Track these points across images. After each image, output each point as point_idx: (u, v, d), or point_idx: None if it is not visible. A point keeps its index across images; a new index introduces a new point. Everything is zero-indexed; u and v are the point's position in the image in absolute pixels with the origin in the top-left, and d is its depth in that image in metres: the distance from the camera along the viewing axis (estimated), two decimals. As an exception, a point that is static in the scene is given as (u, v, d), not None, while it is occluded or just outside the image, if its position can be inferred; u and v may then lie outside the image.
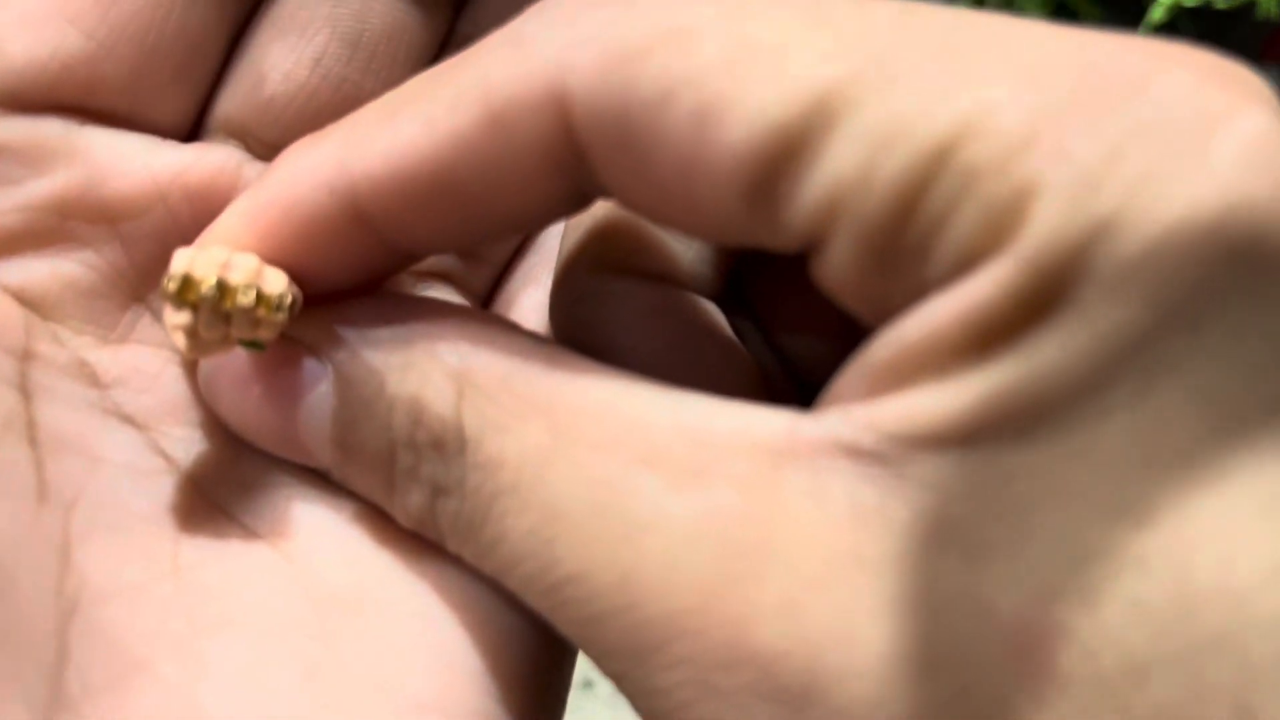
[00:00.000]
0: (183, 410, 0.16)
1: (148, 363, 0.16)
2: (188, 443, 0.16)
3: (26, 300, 0.16)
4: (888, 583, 0.11)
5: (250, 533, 0.16)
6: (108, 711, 0.14)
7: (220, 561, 0.15)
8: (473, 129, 0.13)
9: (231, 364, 0.16)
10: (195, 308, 0.14)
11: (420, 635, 0.15)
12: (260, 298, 0.14)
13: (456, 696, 0.14)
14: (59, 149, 0.16)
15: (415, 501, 0.14)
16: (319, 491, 0.16)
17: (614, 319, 0.16)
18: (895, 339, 0.12)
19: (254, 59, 0.17)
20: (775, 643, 0.12)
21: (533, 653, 0.15)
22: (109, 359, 0.16)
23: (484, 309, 0.19)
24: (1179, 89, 0.11)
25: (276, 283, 0.14)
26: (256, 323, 0.14)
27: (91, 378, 0.16)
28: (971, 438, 0.11)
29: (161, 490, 0.16)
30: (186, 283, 0.14)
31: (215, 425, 0.16)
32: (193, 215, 0.16)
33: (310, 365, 0.15)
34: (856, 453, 0.12)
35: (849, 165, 0.12)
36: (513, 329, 0.15)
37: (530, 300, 0.19)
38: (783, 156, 0.12)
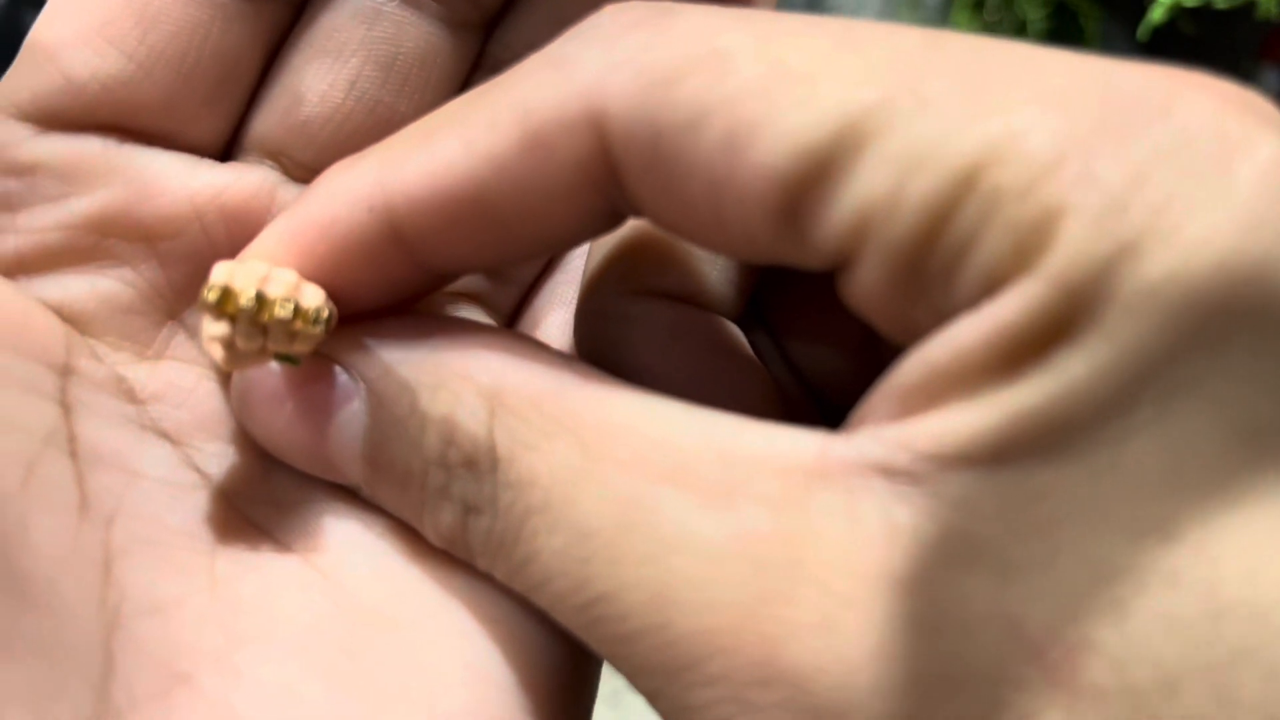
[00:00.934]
0: (216, 426, 0.17)
1: (182, 379, 0.17)
2: (221, 458, 0.17)
3: (66, 316, 0.16)
4: (920, 600, 0.12)
5: (283, 546, 0.16)
6: None
7: (255, 575, 0.16)
8: (510, 149, 0.13)
9: (264, 380, 0.16)
10: (233, 319, 0.14)
11: (451, 651, 0.15)
12: (298, 311, 0.14)
13: (487, 711, 0.15)
14: (99, 167, 0.16)
15: (446, 520, 0.15)
16: (350, 506, 0.17)
17: (636, 340, 0.17)
18: (924, 359, 0.12)
19: (289, 81, 0.17)
20: (810, 660, 0.12)
21: (561, 667, 0.16)
22: (145, 375, 0.17)
23: (512, 329, 0.20)
24: (1200, 116, 0.12)
25: (314, 297, 0.15)
26: (293, 336, 0.15)
27: (129, 393, 0.16)
28: (1001, 456, 0.12)
29: (196, 505, 0.16)
30: (226, 294, 0.14)
31: (247, 440, 0.17)
32: (228, 236, 0.17)
33: (343, 382, 0.15)
34: (889, 472, 0.12)
35: (878, 187, 0.12)
36: (542, 349, 0.15)
37: (556, 320, 0.19)
38: (813, 178, 0.12)
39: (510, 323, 0.20)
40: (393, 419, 0.15)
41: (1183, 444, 0.11)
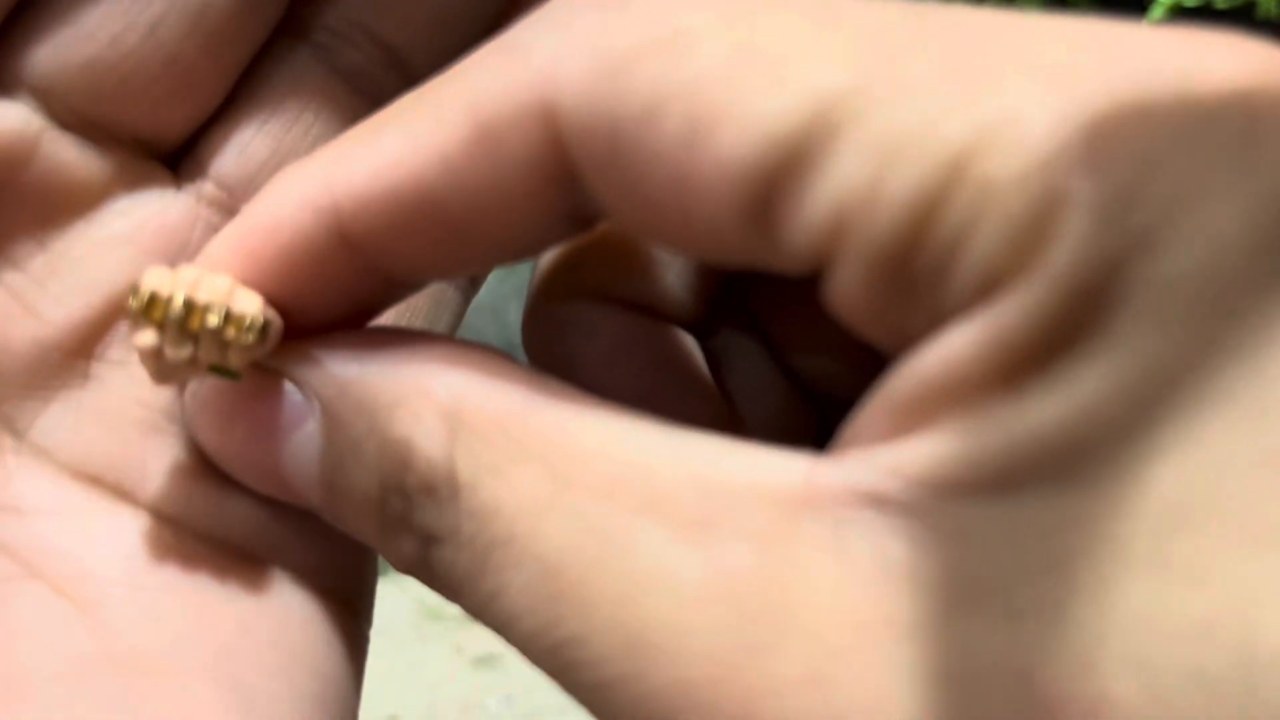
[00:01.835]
0: None
1: None
2: None
3: None
4: (919, 649, 0.10)
5: (30, 570, 0.15)
6: None
7: (4, 610, 0.14)
8: (459, 144, 0.12)
9: (216, 398, 0.15)
10: (161, 327, 0.13)
11: (231, 705, 0.14)
12: (229, 318, 0.13)
13: None
14: None
15: (407, 549, 0.14)
16: (107, 517, 0.15)
17: (582, 349, 0.16)
18: (915, 371, 0.11)
19: (74, 12, 0.15)
20: (798, 718, 0.11)
21: (347, 699, 0.15)
22: None
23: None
24: (1219, 87, 0.10)
25: (248, 303, 0.13)
26: (225, 345, 0.14)
27: None
28: (1005, 483, 0.10)
29: None
30: (152, 300, 0.13)
31: None
32: None
33: (296, 401, 0.14)
34: (881, 502, 0.11)
35: (855, 180, 0.11)
36: (507, 362, 0.14)
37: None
38: (782, 171, 0.11)
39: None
40: (349, 441, 0.14)
41: (1213, 470, 0.10)
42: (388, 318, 0.16)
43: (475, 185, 0.12)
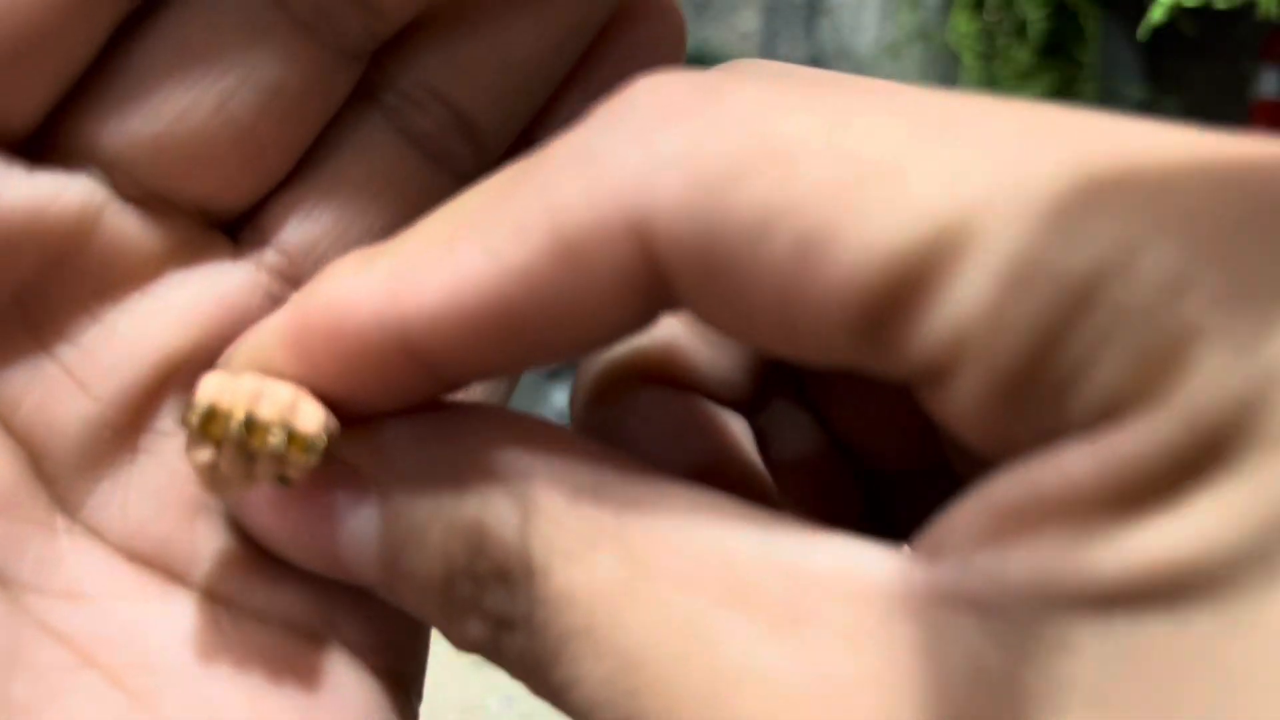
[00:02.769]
0: None
1: None
2: (6, 541, 0.14)
3: None
4: None
5: (85, 658, 0.14)
6: None
7: (58, 702, 0.14)
8: (542, 261, 0.12)
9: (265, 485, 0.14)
10: (219, 444, 0.13)
11: None
12: (293, 437, 0.13)
13: None
14: None
15: (474, 633, 0.13)
16: (160, 604, 0.15)
17: (637, 434, 0.15)
18: (1024, 481, 0.11)
19: (142, 84, 0.14)
20: None
21: None
22: None
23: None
24: None
25: (311, 420, 0.13)
26: (283, 463, 0.13)
27: None
28: (1116, 603, 0.10)
29: None
30: (211, 415, 0.13)
31: (31, 516, 0.14)
32: (38, 264, 0.14)
33: (354, 485, 0.14)
34: (980, 608, 0.11)
35: (980, 303, 0.11)
36: (574, 438, 0.13)
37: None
38: (902, 292, 0.11)
39: None
40: (411, 525, 0.13)
41: None
42: None
43: (556, 300, 0.12)
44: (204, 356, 0.15)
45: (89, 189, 0.14)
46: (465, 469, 0.13)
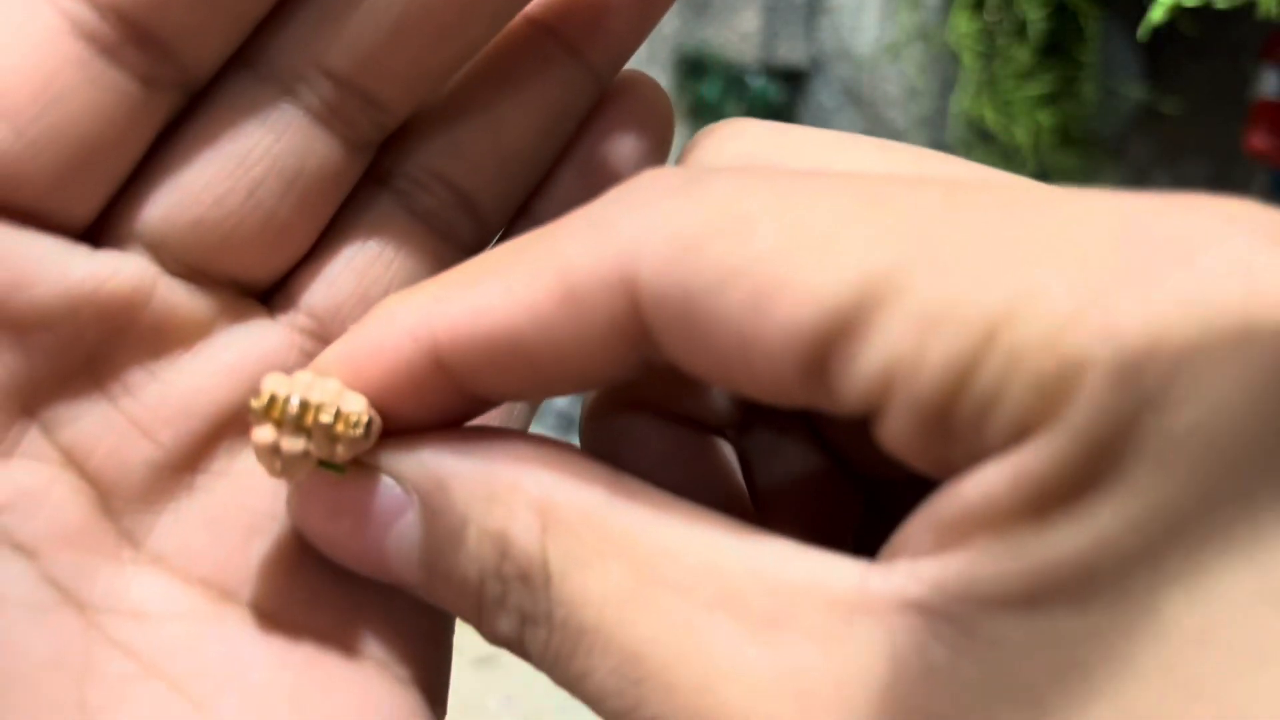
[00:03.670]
0: (70, 535, 0.16)
1: (35, 481, 0.16)
2: (78, 570, 0.16)
3: None
4: None
5: (151, 669, 0.16)
6: None
7: (126, 707, 0.15)
8: (548, 302, 0.14)
9: (322, 494, 0.16)
10: (279, 425, 0.15)
11: None
12: (339, 415, 0.15)
13: None
14: None
15: (504, 627, 0.15)
16: (217, 625, 0.16)
17: (633, 459, 0.17)
18: (957, 498, 0.12)
19: (185, 177, 0.17)
20: None
21: None
22: None
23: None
24: (1225, 258, 0.12)
25: (355, 403, 0.15)
26: (335, 440, 0.15)
27: None
28: (1033, 601, 0.12)
29: (59, 627, 0.15)
30: (271, 400, 0.15)
31: (106, 548, 0.16)
32: (100, 330, 0.16)
33: (397, 495, 0.16)
34: (926, 611, 0.12)
35: (901, 346, 0.12)
36: (589, 461, 0.15)
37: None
38: (836, 336, 0.13)
39: None
40: (447, 530, 0.15)
41: (1210, 598, 0.11)
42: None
43: (559, 336, 0.14)
44: None
45: (141, 266, 0.16)
46: (494, 483, 0.15)
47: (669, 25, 1.68)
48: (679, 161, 0.17)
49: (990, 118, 1.34)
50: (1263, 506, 0.11)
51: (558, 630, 0.14)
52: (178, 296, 0.17)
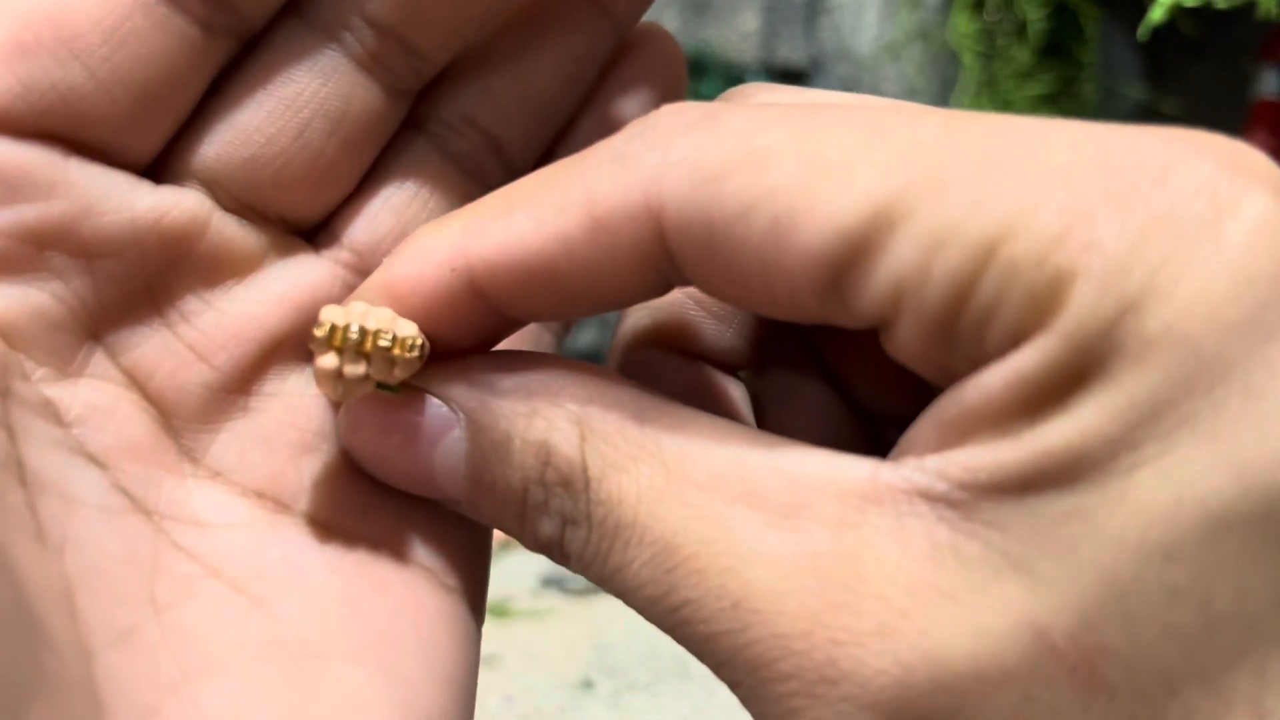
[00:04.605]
0: (137, 449, 0.17)
1: (103, 399, 0.17)
2: (145, 481, 0.17)
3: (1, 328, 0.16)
4: (963, 609, 0.14)
5: (212, 571, 0.17)
6: None
7: (193, 603, 0.16)
8: (577, 231, 0.15)
9: (372, 416, 0.17)
10: (340, 352, 0.16)
11: (379, 687, 0.16)
12: (395, 340, 0.16)
13: None
14: (43, 177, 0.16)
15: (546, 531, 0.16)
16: (271, 533, 0.17)
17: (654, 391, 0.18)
18: (959, 400, 0.14)
19: (239, 118, 0.18)
20: (871, 662, 0.14)
21: (466, 678, 0.18)
22: (68, 395, 0.17)
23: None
24: (1194, 179, 0.13)
25: (408, 328, 0.16)
26: (392, 363, 0.16)
27: (55, 415, 0.16)
28: (1027, 486, 0.13)
29: (130, 530, 0.16)
30: (333, 330, 0.16)
31: (169, 462, 0.17)
32: (162, 259, 0.17)
33: (443, 413, 0.17)
34: (932, 497, 0.14)
35: (909, 264, 0.14)
36: (620, 379, 0.17)
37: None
38: (851, 258, 0.14)
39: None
40: (492, 443, 0.16)
41: (1181, 476, 0.13)
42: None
43: (588, 263, 0.15)
44: (298, 331, 0.18)
45: (198, 200, 0.18)
46: (535, 400, 0.16)
47: (669, 25, 1.67)
48: None
49: (990, 118, 1.34)
50: (1229, 392, 0.13)
51: (596, 529, 0.16)
52: (231, 230, 0.18)
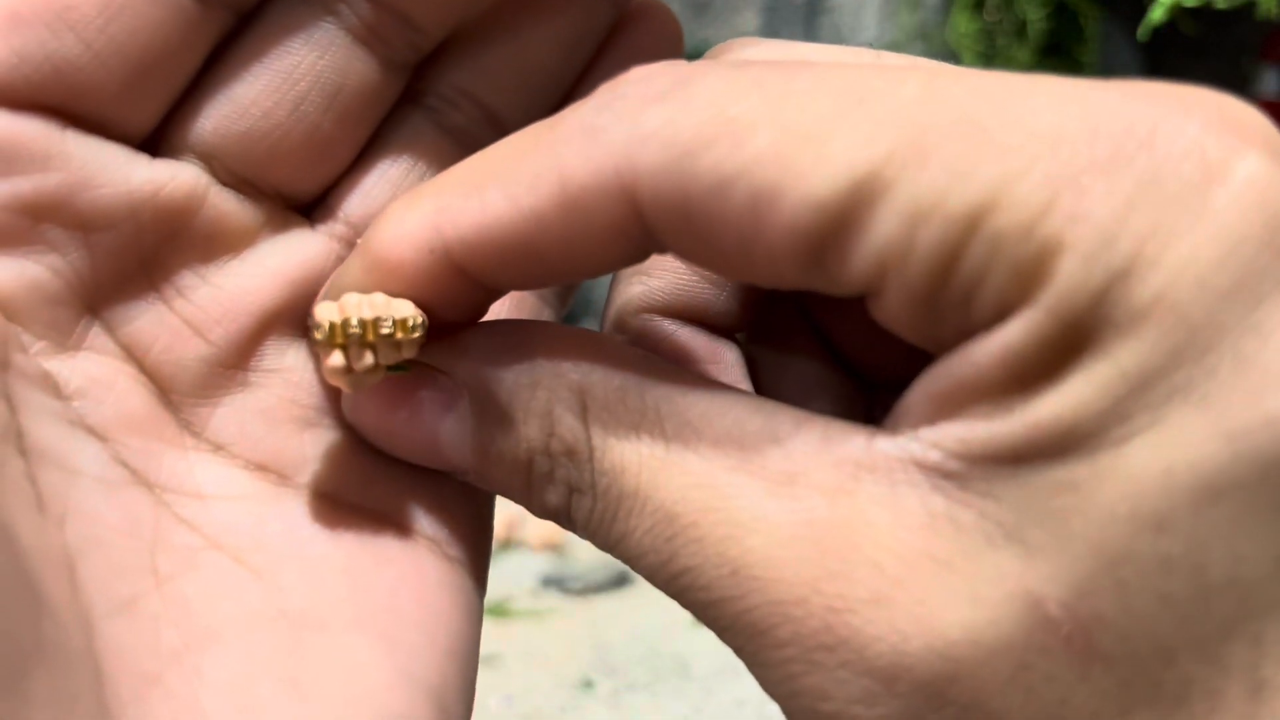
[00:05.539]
0: (136, 422, 0.17)
1: (101, 372, 0.17)
2: (145, 454, 0.17)
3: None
4: (958, 578, 0.14)
5: (212, 542, 0.17)
6: None
7: (194, 573, 0.16)
8: (549, 208, 0.15)
9: (377, 393, 0.17)
10: (345, 348, 0.16)
11: (383, 656, 0.16)
12: (396, 324, 0.16)
13: (417, 713, 0.16)
14: (40, 150, 0.16)
15: (553, 500, 0.16)
16: (270, 504, 0.17)
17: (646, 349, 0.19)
18: (949, 372, 0.14)
19: (235, 91, 0.18)
20: (867, 629, 0.14)
21: (466, 649, 0.18)
22: (67, 369, 0.17)
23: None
24: (1181, 141, 0.13)
25: (405, 309, 0.16)
26: (397, 346, 0.16)
27: (54, 388, 0.16)
28: (1019, 458, 0.13)
29: (130, 502, 0.16)
30: (333, 328, 0.16)
31: (168, 435, 0.17)
32: (158, 233, 0.17)
33: (449, 388, 0.17)
34: (926, 467, 0.14)
35: (892, 237, 0.13)
36: (620, 346, 0.17)
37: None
38: (833, 232, 0.14)
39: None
40: (497, 415, 0.17)
41: (1173, 446, 0.13)
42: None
43: (563, 238, 0.15)
44: (294, 306, 0.18)
45: (195, 174, 0.17)
46: (537, 370, 0.16)
47: (669, 25, 1.68)
48: None
49: (990, 118, 1.34)
50: (1219, 360, 0.13)
51: (600, 498, 0.16)
52: (228, 205, 0.18)
